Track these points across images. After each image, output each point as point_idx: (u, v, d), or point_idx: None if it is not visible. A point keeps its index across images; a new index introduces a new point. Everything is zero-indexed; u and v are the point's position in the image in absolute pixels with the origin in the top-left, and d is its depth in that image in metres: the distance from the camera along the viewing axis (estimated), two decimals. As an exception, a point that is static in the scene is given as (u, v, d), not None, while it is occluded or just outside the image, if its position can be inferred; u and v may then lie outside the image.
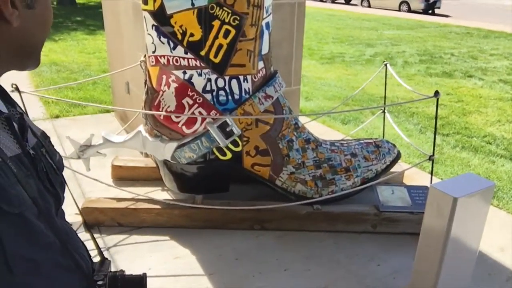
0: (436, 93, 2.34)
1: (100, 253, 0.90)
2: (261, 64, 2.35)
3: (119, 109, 3.73)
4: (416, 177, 3.16)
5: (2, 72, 0.67)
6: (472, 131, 4.56)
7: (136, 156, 3.23)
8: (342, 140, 2.95)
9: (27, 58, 0.69)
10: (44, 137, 0.79)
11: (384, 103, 3.39)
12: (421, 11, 19.26)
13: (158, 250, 2.29)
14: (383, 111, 3.20)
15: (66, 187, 0.81)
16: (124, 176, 2.96)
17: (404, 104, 5.28)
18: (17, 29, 0.62)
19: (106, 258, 0.87)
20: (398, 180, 3.01)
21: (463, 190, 1.67)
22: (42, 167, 0.70)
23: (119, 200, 2.53)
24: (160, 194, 2.77)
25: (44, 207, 0.64)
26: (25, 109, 1.72)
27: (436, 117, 2.44)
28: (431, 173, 2.61)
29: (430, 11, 19.18)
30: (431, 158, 2.52)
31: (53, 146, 0.81)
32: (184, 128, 2.36)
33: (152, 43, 2.25)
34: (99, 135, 2.61)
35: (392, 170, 2.78)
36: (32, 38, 0.68)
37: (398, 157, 2.77)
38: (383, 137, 3.40)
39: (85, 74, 6.15)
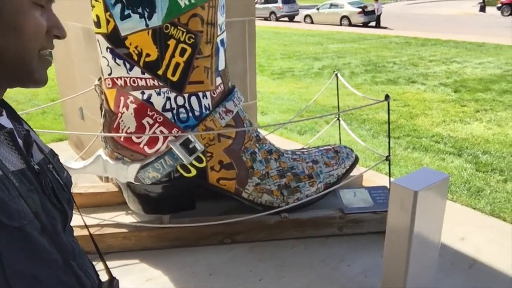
0: (387, 97, 2.48)
1: (108, 272, 0.89)
2: (219, 80, 2.39)
3: (76, 134, 3.64)
4: (374, 179, 3.28)
5: (2, 89, 0.67)
6: (421, 132, 4.81)
7: (95, 181, 3.15)
8: (302, 148, 3.02)
9: (17, 72, 0.66)
10: (53, 154, 0.79)
11: (338, 111, 3.52)
12: (361, 24, 20.19)
13: (129, 274, 2.24)
14: (338, 119, 3.33)
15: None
16: (85, 203, 2.87)
17: (356, 112, 5.48)
18: None
19: (115, 278, 0.85)
20: (358, 183, 3.12)
21: (422, 184, 1.77)
22: (48, 182, 0.70)
23: (83, 227, 2.45)
24: (126, 218, 2.71)
25: (48, 223, 0.64)
26: None
27: (388, 119, 2.57)
28: (389, 173, 2.73)
29: (377, 24, 20.06)
30: (387, 158, 2.64)
31: (61, 164, 0.80)
32: (146, 148, 2.35)
33: (108, 65, 2.24)
34: (56, 163, 2.53)
35: (351, 174, 2.88)
36: (4, 48, 0.63)
37: (356, 160, 2.88)
38: (340, 143, 3.52)
39: (33, 104, 5.94)
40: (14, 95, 6.64)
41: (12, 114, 0.73)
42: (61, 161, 2.45)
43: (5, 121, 0.68)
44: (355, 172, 2.97)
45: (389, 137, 2.64)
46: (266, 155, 2.58)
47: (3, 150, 0.63)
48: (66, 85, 3.80)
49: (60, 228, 0.69)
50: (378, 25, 20.03)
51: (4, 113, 0.70)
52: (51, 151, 0.80)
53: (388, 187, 2.67)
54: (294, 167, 2.61)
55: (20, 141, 0.68)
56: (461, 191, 3.29)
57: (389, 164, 2.68)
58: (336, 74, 3.19)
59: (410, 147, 4.36)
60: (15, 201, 0.58)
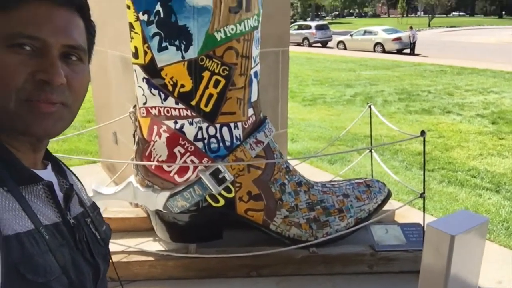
0: (423, 133, 2.41)
1: None
2: (250, 111, 2.40)
3: (109, 161, 3.71)
4: (407, 214, 3.18)
5: (21, 142, 0.67)
6: (456, 165, 4.65)
7: (125, 206, 3.19)
8: (333, 181, 2.97)
9: (6, 124, 0.64)
10: (94, 208, 0.80)
11: (371, 144, 3.46)
12: (395, 51, 20.05)
13: (154, 304, 2.23)
14: (370, 151, 3.26)
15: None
16: (114, 228, 2.87)
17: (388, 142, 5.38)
18: None
19: None
20: (390, 219, 3.02)
21: (459, 227, 1.69)
22: (83, 237, 0.71)
23: (111, 253, 2.47)
24: (152, 245, 2.72)
25: (76, 279, 0.64)
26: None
27: (424, 157, 2.50)
28: (423, 211, 2.64)
29: (411, 52, 19.91)
30: (422, 196, 2.56)
31: (101, 217, 0.81)
32: (176, 177, 2.36)
33: (143, 95, 2.28)
34: (88, 187, 2.58)
35: (383, 209, 2.80)
36: None
37: (388, 195, 2.80)
38: (371, 176, 3.44)
39: (70, 126, 6.13)
40: (53, 115, 6.88)
41: (57, 167, 0.74)
42: (92, 186, 2.48)
43: (47, 174, 0.69)
44: (387, 207, 2.88)
45: (424, 174, 2.56)
46: (296, 187, 2.54)
47: (40, 203, 0.64)
48: (102, 109, 3.91)
49: (90, 284, 0.69)
50: (412, 52, 19.85)
51: (49, 166, 0.71)
52: (93, 204, 0.81)
53: (422, 224, 2.58)
54: (324, 200, 2.56)
55: (60, 194, 0.69)
56: (499, 230, 3.14)
57: (424, 202, 2.59)
58: (370, 106, 3.14)
59: (445, 181, 4.22)
60: (43, 256, 0.59)
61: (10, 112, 0.63)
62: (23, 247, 0.57)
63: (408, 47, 20.08)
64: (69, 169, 0.80)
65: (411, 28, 20.46)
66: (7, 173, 0.61)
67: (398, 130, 2.98)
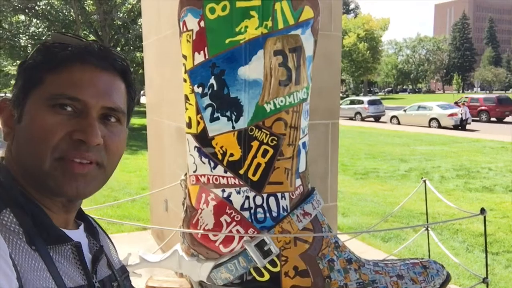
0: (482, 211, 2.26)
1: None
2: (298, 182, 2.37)
3: (156, 228, 3.76)
4: (470, 301, 2.90)
5: (55, 203, 0.68)
6: (525, 249, 4.26)
7: (171, 275, 3.15)
8: (386, 260, 2.79)
9: (34, 178, 0.65)
10: (122, 272, 0.79)
11: (427, 221, 3.27)
12: (452, 127, 19.56)
13: None
14: (426, 229, 3.08)
15: None
16: (157, 297, 2.85)
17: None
18: (14, 148, 0.64)
19: None
20: (451, 305, 2.75)
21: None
22: None
23: (152, 324, 2.41)
24: (194, 318, 2.62)
25: None
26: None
27: (485, 237, 2.32)
28: (488, 298, 2.39)
29: (461, 127, 19.47)
30: (485, 281, 2.33)
31: (129, 281, 0.80)
32: (221, 247, 2.33)
33: (194, 163, 2.34)
34: (135, 253, 2.59)
35: (442, 293, 2.56)
36: (24, 156, 0.65)
37: (448, 279, 2.57)
38: (428, 256, 3.22)
39: (125, 192, 6.35)
40: (109, 182, 7.16)
41: (90, 228, 0.75)
42: (139, 253, 2.48)
43: (78, 235, 0.69)
44: (446, 292, 2.64)
45: (486, 256, 2.35)
46: (345, 265, 2.41)
47: (67, 264, 0.63)
48: (156, 176, 4.04)
49: None
50: (463, 129, 19.37)
51: (81, 226, 0.72)
52: (122, 267, 0.80)
53: (487, 314, 2.33)
54: (376, 281, 2.40)
55: (89, 256, 0.69)
56: None
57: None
58: (425, 181, 3.01)
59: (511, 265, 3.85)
60: None
61: (44, 171, 0.64)
62: None
63: (463, 124, 19.63)
64: (103, 230, 0.80)
65: (463, 104, 20.18)
66: (37, 232, 0.61)
67: (457, 208, 2.81)
